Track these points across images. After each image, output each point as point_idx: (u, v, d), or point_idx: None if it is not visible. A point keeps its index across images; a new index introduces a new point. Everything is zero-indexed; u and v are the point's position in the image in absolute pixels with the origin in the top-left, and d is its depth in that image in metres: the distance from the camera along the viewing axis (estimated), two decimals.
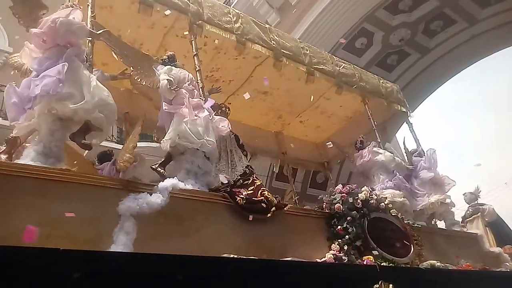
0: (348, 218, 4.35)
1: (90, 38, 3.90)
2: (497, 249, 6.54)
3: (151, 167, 3.79)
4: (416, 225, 5.09)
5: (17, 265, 2.23)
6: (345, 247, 4.15)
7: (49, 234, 2.72)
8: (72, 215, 2.74)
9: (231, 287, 3.03)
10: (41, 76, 3.09)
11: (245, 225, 3.75)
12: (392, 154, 5.92)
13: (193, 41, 4.99)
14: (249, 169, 4.60)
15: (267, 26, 6.10)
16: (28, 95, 3.10)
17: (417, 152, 6.66)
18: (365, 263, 4.03)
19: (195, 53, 4.90)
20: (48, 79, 3.08)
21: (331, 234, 4.32)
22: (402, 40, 11.73)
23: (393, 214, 4.94)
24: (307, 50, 6.40)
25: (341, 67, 6.75)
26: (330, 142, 6.79)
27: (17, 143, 3.27)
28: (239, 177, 4.49)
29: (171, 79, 3.94)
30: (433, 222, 6.34)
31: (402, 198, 5.40)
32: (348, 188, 4.67)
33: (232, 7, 11.78)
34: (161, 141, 3.86)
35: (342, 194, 4.55)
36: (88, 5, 4.18)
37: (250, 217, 3.68)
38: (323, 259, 3.96)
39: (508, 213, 8.47)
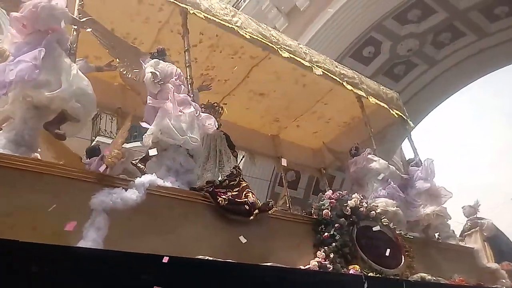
0: (336, 225, 4.19)
1: (75, 27, 3.78)
2: (494, 265, 6.34)
3: (131, 162, 3.66)
4: (408, 236, 4.90)
5: None
6: (331, 255, 3.99)
7: (13, 225, 2.59)
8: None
9: None
10: (16, 61, 2.97)
11: (226, 227, 3.60)
12: (387, 162, 5.75)
13: (185, 37, 4.85)
14: (236, 170, 4.46)
15: (264, 25, 5.97)
16: (3, 81, 2.97)
17: (414, 162, 6.49)
18: (351, 272, 3.86)
19: (186, 48, 4.77)
20: (24, 64, 2.96)
21: (317, 241, 4.16)
22: (410, 50, 11.66)
23: (384, 223, 4.77)
24: (306, 51, 6.27)
25: (341, 69, 6.61)
26: (325, 146, 6.60)
27: None
28: (225, 178, 4.35)
29: (156, 72, 3.82)
30: (436, 235, 6.09)
31: (395, 208, 5.22)
32: (338, 194, 4.52)
33: (241, 10, 11.85)
34: (143, 136, 3.72)
35: (331, 200, 4.39)
36: None
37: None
38: (308, 266, 3.80)
39: None
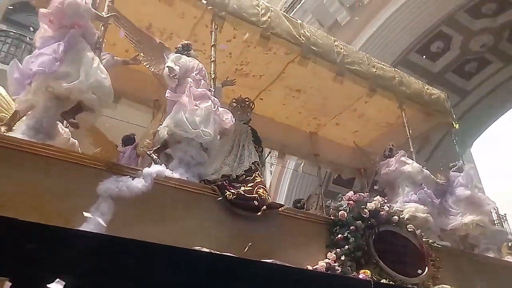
0: (351, 227, 4.07)
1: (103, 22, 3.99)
2: None
3: (146, 152, 3.80)
4: (436, 244, 4.64)
5: None
6: (342, 257, 3.88)
7: (20, 204, 2.80)
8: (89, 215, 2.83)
9: (198, 283, 2.93)
10: (38, 53, 3.20)
11: (233, 222, 3.63)
12: (420, 166, 5.46)
13: (213, 32, 4.93)
14: (255, 165, 4.48)
15: (299, 21, 5.89)
16: (27, 72, 3.22)
17: (457, 167, 6.10)
18: (360, 276, 3.73)
19: (213, 43, 4.84)
20: (45, 57, 3.18)
21: (330, 242, 4.07)
22: (483, 46, 10.86)
23: (409, 229, 4.55)
24: (341, 49, 6.11)
25: (378, 69, 6.36)
26: (355, 145, 6.41)
27: (17, 116, 3.42)
28: (243, 173, 4.39)
29: (172, 66, 3.92)
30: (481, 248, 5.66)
31: (425, 214, 4.95)
32: (358, 196, 4.38)
33: (301, 4, 11.74)
34: (158, 128, 3.85)
35: (350, 202, 4.26)
36: None
37: None
38: (315, 267, 3.74)
39: None
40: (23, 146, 2.96)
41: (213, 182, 3.83)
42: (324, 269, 3.67)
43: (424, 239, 4.64)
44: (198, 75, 4.16)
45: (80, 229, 2.73)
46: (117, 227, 3.02)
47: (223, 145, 5.03)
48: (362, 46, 10.24)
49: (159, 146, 3.87)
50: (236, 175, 4.35)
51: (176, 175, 3.46)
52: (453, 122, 6.76)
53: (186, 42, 4.58)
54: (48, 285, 2.34)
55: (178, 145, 3.76)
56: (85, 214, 2.93)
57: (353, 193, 4.46)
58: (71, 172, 3.10)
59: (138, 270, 2.73)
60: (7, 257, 2.30)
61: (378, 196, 4.46)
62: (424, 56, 10.78)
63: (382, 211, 4.29)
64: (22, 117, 3.40)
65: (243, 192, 3.90)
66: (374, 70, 6.33)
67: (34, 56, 3.21)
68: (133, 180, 3.19)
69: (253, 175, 4.24)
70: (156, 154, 3.75)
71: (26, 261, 2.35)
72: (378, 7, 10.49)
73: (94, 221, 2.92)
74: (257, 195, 3.82)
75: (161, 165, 3.44)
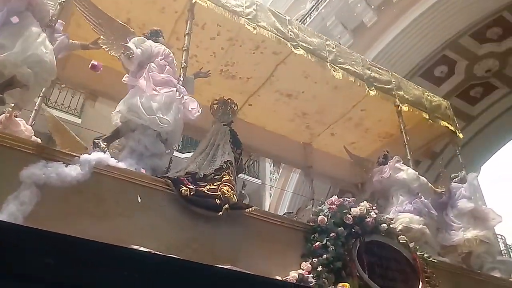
0: (332, 234, 3.53)
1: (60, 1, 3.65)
2: None
3: (93, 140, 3.36)
4: (432, 259, 4.05)
5: None
6: (319, 268, 3.33)
7: None
8: None
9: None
10: None
11: (189, 221, 3.14)
12: (416, 173, 4.90)
13: (188, 21, 4.57)
14: (226, 164, 4.01)
15: (287, 17, 5.52)
16: None
17: (459, 178, 5.54)
18: None
19: (187, 32, 4.48)
20: None
21: (307, 250, 3.52)
22: (489, 71, 10.65)
23: (401, 241, 3.99)
24: (333, 48, 5.69)
25: (374, 71, 5.92)
26: (345, 149, 5.91)
27: None
28: (212, 171, 3.92)
29: (131, 46, 3.53)
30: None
31: (421, 226, 4.39)
32: (342, 200, 3.85)
33: (306, 25, 11.53)
34: (111, 113, 3.42)
35: (331, 206, 3.74)
36: None
37: None
38: (285, 278, 3.20)
39: None
40: None
41: (162, 175, 3.35)
42: (295, 281, 3.12)
43: (419, 253, 4.06)
44: (164, 60, 3.77)
45: None
46: (41, 219, 2.56)
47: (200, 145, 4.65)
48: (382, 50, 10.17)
49: (110, 134, 3.42)
50: (204, 174, 3.88)
51: (121, 165, 3.00)
52: (457, 131, 6.21)
53: (156, 28, 4.22)
54: None
55: (131, 133, 3.31)
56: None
57: (337, 198, 3.93)
58: None
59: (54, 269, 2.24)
60: None
61: (365, 202, 3.91)
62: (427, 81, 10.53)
63: (368, 217, 3.74)
64: None
65: (207, 190, 3.43)
66: (369, 72, 5.88)
67: None
68: (66, 167, 2.74)
69: (222, 174, 3.76)
70: (105, 143, 3.29)
71: None
72: (378, 33, 10.26)
73: (9, 211, 2.46)
74: (220, 193, 3.32)
75: (104, 153, 2.98)
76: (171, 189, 3.13)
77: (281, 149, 7.28)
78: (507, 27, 9.71)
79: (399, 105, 5.91)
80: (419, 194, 4.78)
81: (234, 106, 5.32)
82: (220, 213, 3.16)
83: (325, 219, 3.63)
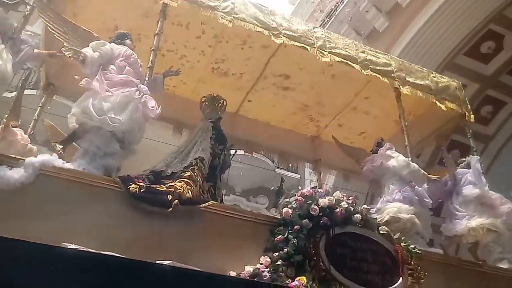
0: (295, 227, 3.39)
1: (27, 12, 3.81)
2: None
3: (52, 144, 3.46)
4: (417, 250, 3.77)
5: None
6: (278, 262, 3.21)
7: None
8: None
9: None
10: None
11: (139, 219, 3.14)
12: (407, 159, 4.58)
13: (159, 21, 4.60)
14: (196, 161, 4.00)
15: (269, 9, 5.39)
16: None
17: (465, 163, 5.14)
18: (293, 283, 3.03)
19: (157, 32, 4.51)
20: None
21: (270, 244, 3.41)
22: None
23: (381, 232, 3.76)
24: (322, 35, 5.48)
25: (370, 54, 5.63)
26: (334, 139, 5.67)
27: None
28: (181, 169, 3.92)
29: (84, 51, 3.59)
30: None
31: (409, 215, 4.10)
32: (312, 191, 3.69)
33: (338, 13, 11.17)
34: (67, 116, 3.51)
35: (298, 198, 3.59)
36: None
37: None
38: (240, 273, 3.11)
39: None
40: None
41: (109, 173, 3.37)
42: (246, 276, 3.03)
43: (403, 244, 3.80)
44: (124, 61, 3.81)
45: None
46: None
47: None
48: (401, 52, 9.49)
49: (65, 137, 3.51)
50: (172, 172, 3.88)
51: (67, 165, 3.06)
52: (466, 113, 5.77)
53: (124, 31, 4.28)
54: None
55: (86, 135, 3.38)
56: None
57: (309, 189, 3.78)
58: None
59: None
60: None
61: (338, 192, 3.72)
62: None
63: (338, 207, 3.55)
64: None
65: (167, 187, 3.42)
66: (364, 55, 5.60)
67: None
68: (10, 170, 2.84)
69: (186, 171, 3.74)
70: (61, 146, 3.38)
71: None
72: (415, 11, 9.63)
73: None
74: (173, 189, 3.30)
75: (52, 155, 3.06)
76: (120, 187, 3.15)
77: (288, 143, 7.16)
78: None
79: (398, 89, 5.59)
80: (412, 182, 4.47)
81: (223, 102, 5.28)
82: (170, 209, 3.13)
83: (290, 211, 3.49)
